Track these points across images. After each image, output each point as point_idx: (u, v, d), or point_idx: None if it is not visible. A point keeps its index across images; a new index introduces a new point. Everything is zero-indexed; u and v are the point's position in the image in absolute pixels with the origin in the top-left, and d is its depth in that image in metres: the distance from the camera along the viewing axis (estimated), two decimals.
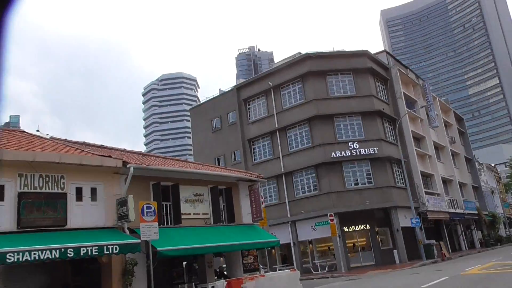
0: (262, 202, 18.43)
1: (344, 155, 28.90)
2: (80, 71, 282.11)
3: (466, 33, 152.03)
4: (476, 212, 43.52)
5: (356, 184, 29.06)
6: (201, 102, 38.30)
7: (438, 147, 40.42)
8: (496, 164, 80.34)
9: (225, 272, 17.37)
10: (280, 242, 30.90)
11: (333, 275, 24.95)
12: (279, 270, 30.40)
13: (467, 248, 41.05)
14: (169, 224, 15.15)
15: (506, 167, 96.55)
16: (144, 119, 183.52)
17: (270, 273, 13.55)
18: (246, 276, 12.96)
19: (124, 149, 18.31)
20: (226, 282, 12.82)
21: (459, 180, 42.15)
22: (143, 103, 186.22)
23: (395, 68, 34.47)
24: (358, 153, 29.00)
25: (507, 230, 55.05)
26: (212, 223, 16.55)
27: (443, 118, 43.48)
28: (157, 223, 12.71)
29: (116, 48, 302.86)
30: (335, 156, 28.83)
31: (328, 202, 28.29)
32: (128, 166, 13.35)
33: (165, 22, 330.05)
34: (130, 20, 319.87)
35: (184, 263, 21.95)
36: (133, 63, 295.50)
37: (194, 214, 16.05)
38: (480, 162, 56.25)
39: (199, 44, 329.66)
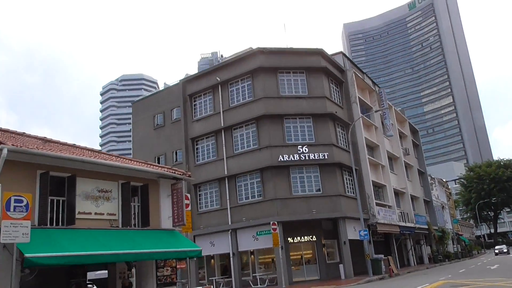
0: (187, 205, 15.75)
1: (292, 159, 26.76)
2: (40, 67, 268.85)
3: (423, 51, 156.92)
4: (426, 226, 42.70)
5: (303, 191, 26.93)
6: (145, 96, 35.17)
7: (391, 158, 39.29)
8: (447, 181, 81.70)
9: (133, 286, 14.50)
10: (220, 252, 28.58)
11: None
12: (217, 281, 27.89)
13: (415, 264, 39.96)
14: (59, 224, 12.18)
15: (456, 184, 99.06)
16: (101, 119, 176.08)
17: None
18: None
19: (24, 132, 15.16)
20: None
21: (411, 193, 41.19)
22: (101, 102, 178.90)
23: (351, 71, 32.94)
24: (307, 158, 26.96)
25: (455, 246, 55.01)
26: (120, 226, 13.70)
27: (398, 129, 42.55)
28: (28, 222, 9.76)
29: (79, 45, 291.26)
30: (282, 160, 26.64)
31: (272, 210, 25.98)
32: (0, 147, 10.38)
33: (130, 23, 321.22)
34: (94, 19, 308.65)
35: (91, 273, 18.89)
36: (96, 62, 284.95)
37: (96, 214, 13.15)
38: (433, 176, 56.13)
39: (162, 47, 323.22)
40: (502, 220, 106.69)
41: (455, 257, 47.81)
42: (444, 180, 65.83)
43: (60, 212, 12.35)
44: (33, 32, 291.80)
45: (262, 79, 28.18)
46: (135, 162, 15.32)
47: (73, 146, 15.53)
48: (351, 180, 29.57)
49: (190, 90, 31.57)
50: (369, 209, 30.26)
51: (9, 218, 9.52)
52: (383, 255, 29.19)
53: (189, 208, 16.08)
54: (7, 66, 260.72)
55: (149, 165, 15.26)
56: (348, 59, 36.12)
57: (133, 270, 16.25)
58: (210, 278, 27.98)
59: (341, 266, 26.52)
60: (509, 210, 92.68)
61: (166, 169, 15.52)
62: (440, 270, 29.52)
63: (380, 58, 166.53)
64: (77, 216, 12.42)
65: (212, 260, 29.29)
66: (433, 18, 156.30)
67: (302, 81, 28.87)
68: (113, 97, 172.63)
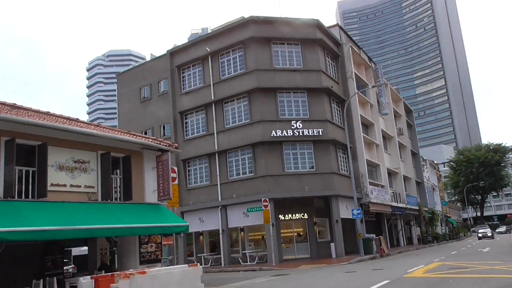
0: (174, 179, 14.63)
1: (286, 134, 25.67)
2: (22, 41, 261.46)
3: (417, 32, 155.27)
4: (417, 207, 42.34)
5: (296, 168, 25.96)
6: (131, 67, 33.51)
7: (385, 137, 38.42)
8: (438, 163, 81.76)
9: (115, 263, 13.48)
10: (209, 228, 27.69)
11: (261, 268, 21.91)
12: (206, 258, 27.11)
13: (405, 244, 39.68)
14: (29, 197, 10.98)
15: (445, 166, 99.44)
16: (88, 96, 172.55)
17: (156, 269, 9.82)
18: (120, 272, 9.18)
19: None
20: (94, 280, 8.97)
21: (403, 173, 40.56)
22: (88, 78, 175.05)
23: (347, 44, 31.61)
24: (301, 134, 25.88)
25: (443, 228, 55.03)
26: (99, 199, 12.55)
27: (393, 108, 41.58)
28: None
29: (62, 19, 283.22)
30: (275, 135, 25.53)
31: (264, 186, 25.02)
32: None
33: None
34: None
35: (76, 249, 17.89)
36: (81, 36, 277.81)
37: (72, 186, 11.95)
38: (424, 158, 55.64)
39: (151, 22, 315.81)
40: (488, 204, 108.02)
41: (443, 239, 47.78)
42: (435, 162, 65.48)
43: (30, 184, 11.13)
44: (12, 4, 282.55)
45: (255, 50, 26.77)
46: (116, 132, 14.07)
47: (47, 113, 14.16)
48: (345, 158, 28.68)
49: (178, 61, 30.02)
50: (362, 188, 29.50)
51: None
52: (374, 235, 28.64)
53: (176, 181, 14.99)
54: None
55: (131, 135, 14.02)
56: (345, 32, 34.71)
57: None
58: (198, 255, 27.19)
59: (332, 245, 25.89)
60: (495, 194, 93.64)
61: (150, 140, 14.30)
62: (431, 251, 29.09)
63: (373, 38, 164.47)
64: (49, 188, 11.21)
65: (201, 237, 28.43)
66: None
67: (297, 53, 27.53)
68: (100, 73, 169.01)
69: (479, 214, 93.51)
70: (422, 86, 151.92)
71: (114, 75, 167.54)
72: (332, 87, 27.98)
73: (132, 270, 10.76)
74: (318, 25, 28.33)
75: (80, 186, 12.14)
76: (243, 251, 25.91)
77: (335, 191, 25.93)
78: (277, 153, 25.67)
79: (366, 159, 30.69)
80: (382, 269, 16.77)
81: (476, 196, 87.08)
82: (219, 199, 26.58)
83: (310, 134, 26.02)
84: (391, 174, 37.81)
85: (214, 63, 28.17)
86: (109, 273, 9.58)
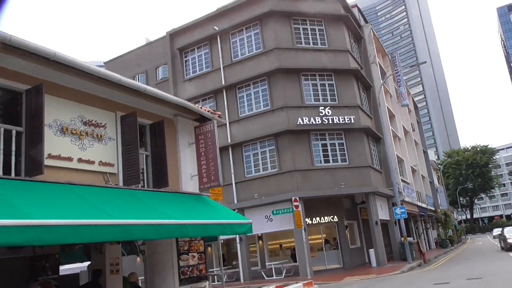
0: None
1: (314, 122, 21.69)
2: None
3: (394, 40, 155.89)
4: (433, 208, 39.08)
5: (327, 161, 21.95)
6: (121, 54, 28.88)
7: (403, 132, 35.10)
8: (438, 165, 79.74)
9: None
10: (223, 237, 23.15)
11: (298, 282, 17.59)
12: (217, 273, 22.47)
13: (428, 249, 36.07)
14: (12, 174, 6.49)
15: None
16: None
17: None
18: None
19: None
20: None
21: (421, 172, 37.25)
22: None
23: (368, 27, 28.18)
24: (330, 121, 21.96)
25: (448, 231, 52.04)
26: (120, 183, 8.13)
27: None
28: None
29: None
30: (301, 123, 21.51)
31: (291, 184, 20.84)
32: None
33: None
34: None
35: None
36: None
37: (81, 161, 7.50)
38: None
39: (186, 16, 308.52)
40: (475, 206, 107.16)
41: (457, 242, 44.69)
42: (435, 162, 62.96)
43: (14, 152, 6.64)
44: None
45: (273, 27, 22.83)
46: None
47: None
48: (375, 150, 24.99)
49: (180, 43, 25.70)
50: (395, 185, 25.74)
51: None
52: (412, 238, 24.95)
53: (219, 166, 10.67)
54: None
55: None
56: (363, 15, 31.27)
57: (120, 259, 10.69)
58: (210, 270, 22.52)
59: (371, 251, 21.93)
60: (480, 197, 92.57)
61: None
62: (476, 255, 25.40)
63: None
64: (46, 161, 6.75)
65: (209, 248, 23.79)
66: (403, 7, 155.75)
67: (321, 31, 23.74)
68: None
69: (468, 216, 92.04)
70: None
71: None
72: (362, 68, 24.34)
73: None
74: (341, 1, 24.72)
75: (93, 162, 7.71)
76: (267, 263, 21.53)
77: (372, 188, 22.01)
78: (304, 144, 21.61)
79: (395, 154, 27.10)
80: (480, 278, 12.84)
81: (465, 198, 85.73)
82: (235, 201, 22.20)
83: (341, 121, 22.14)
84: (411, 171, 34.38)
85: (224, 43, 24.01)
86: None
